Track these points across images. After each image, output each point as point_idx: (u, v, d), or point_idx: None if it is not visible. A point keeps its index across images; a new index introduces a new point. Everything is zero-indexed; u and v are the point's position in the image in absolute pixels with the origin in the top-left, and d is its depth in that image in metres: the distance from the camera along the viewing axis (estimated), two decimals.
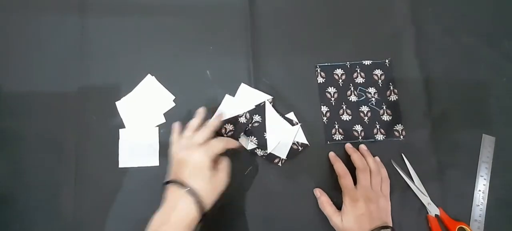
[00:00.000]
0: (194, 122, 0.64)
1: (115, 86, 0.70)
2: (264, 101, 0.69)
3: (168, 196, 0.56)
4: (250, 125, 0.68)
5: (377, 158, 0.67)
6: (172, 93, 0.70)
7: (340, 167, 0.64)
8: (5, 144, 0.68)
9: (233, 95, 0.71)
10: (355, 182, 0.63)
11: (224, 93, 0.70)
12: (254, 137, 0.68)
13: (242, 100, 0.70)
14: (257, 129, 0.68)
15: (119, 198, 0.66)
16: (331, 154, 0.68)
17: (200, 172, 0.57)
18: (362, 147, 0.68)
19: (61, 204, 0.66)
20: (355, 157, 0.65)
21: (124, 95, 0.70)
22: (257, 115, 0.69)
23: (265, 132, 0.68)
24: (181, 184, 0.56)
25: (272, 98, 0.70)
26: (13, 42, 0.73)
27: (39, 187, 0.66)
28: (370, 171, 0.64)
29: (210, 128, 0.62)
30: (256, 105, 0.69)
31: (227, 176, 0.60)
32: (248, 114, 0.69)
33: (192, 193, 0.55)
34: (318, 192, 0.66)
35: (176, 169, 0.59)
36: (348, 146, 0.68)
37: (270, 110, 0.69)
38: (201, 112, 0.65)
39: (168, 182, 0.58)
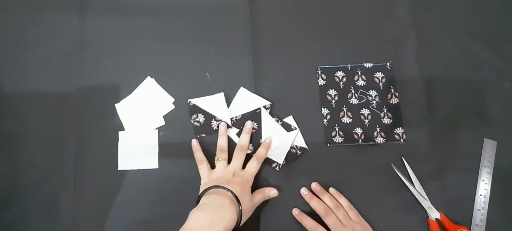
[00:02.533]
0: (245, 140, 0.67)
1: (115, 88, 0.70)
2: (260, 108, 0.69)
3: (214, 198, 0.57)
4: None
5: (331, 189, 0.66)
6: (171, 96, 0.70)
7: (309, 223, 0.63)
8: (5, 144, 0.68)
9: (233, 97, 0.70)
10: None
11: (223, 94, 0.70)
12: (250, 144, 0.68)
13: (240, 104, 0.70)
14: (253, 136, 0.68)
15: (118, 201, 0.66)
16: (295, 212, 0.65)
17: (246, 190, 0.61)
18: (314, 188, 0.66)
19: (61, 206, 0.66)
20: (314, 203, 0.64)
21: (124, 98, 0.70)
22: (254, 122, 0.69)
23: (261, 138, 0.68)
24: (230, 191, 0.57)
25: (271, 104, 0.69)
26: (13, 42, 0.73)
27: (38, 188, 0.66)
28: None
29: (259, 160, 0.65)
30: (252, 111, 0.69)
31: (258, 204, 0.63)
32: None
33: (239, 203, 0.57)
34: (298, 215, 0.65)
35: (226, 175, 0.61)
36: (303, 193, 0.66)
37: (266, 117, 0.69)
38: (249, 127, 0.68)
39: (212, 188, 0.58)
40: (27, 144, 0.68)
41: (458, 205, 0.67)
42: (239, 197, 0.57)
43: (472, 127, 0.70)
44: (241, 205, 0.57)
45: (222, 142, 0.66)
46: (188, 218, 0.55)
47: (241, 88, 0.70)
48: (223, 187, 0.58)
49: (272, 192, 0.64)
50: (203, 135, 0.68)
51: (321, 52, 0.73)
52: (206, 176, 0.63)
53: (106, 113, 0.69)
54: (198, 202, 0.58)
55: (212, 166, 0.65)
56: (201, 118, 0.69)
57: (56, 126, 0.69)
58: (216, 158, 0.65)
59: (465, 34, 0.75)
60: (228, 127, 0.68)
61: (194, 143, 0.67)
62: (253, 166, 0.64)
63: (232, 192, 0.57)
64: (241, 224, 0.57)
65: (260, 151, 0.66)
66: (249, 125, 0.68)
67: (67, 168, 0.67)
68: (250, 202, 0.60)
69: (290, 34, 0.74)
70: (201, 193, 0.59)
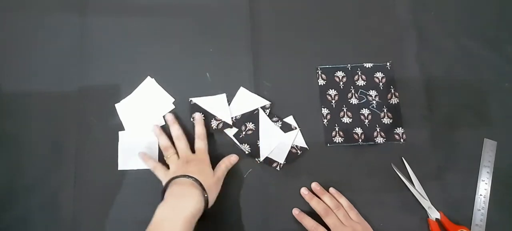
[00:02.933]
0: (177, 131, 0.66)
1: (115, 88, 0.70)
2: (258, 109, 0.69)
3: (174, 188, 0.57)
4: (244, 133, 0.68)
5: (331, 189, 0.66)
6: (171, 96, 0.70)
7: (309, 223, 0.63)
8: (5, 144, 0.68)
9: (233, 97, 0.70)
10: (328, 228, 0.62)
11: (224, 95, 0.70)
12: (247, 145, 0.68)
13: (240, 103, 0.70)
14: (251, 137, 0.68)
15: (118, 200, 0.66)
16: (295, 212, 0.65)
17: (204, 168, 0.61)
18: (314, 188, 0.66)
19: (61, 206, 0.66)
20: (314, 203, 0.64)
21: (124, 97, 0.70)
22: (250, 122, 0.69)
23: (258, 140, 0.68)
24: (188, 177, 0.57)
25: (270, 104, 0.69)
26: (13, 42, 0.73)
27: (38, 188, 0.66)
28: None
29: (201, 137, 0.66)
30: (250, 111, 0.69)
31: (223, 175, 0.64)
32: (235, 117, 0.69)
33: (200, 184, 0.57)
34: (298, 215, 0.65)
35: (180, 166, 0.61)
36: (303, 193, 0.66)
37: (263, 118, 0.69)
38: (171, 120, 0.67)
39: (172, 179, 0.58)
40: (27, 144, 0.68)
41: (458, 205, 0.67)
42: (198, 178, 0.57)
43: (472, 127, 0.70)
44: (202, 184, 0.57)
45: (163, 141, 0.66)
46: (154, 214, 0.55)
47: (241, 88, 0.70)
48: (179, 176, 0.58)
49: (232, 158, 0.65)
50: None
51: (321, 52, 0.73)
52: (164, 177, 0.62)
53: (106, 113, 0.69)
54: (162, 198, 0.58)
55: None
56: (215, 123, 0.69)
57: (56, 126, 0.69)
58: (164, 158, 0.65)
59: (465, 34, 0.75)
60: (229, 126, 0.68)
61: (142, 154, 0.66)
62: (200, 144, 0.65)
63: (188, 176, 0.57)
64: (211, 203, 0.58)
65: (197, 129, 0.66)
66: (169, 117, 0.67)
67: (67, 168, 0.67)
68: (211, 178, 0.61)
69: (290, 34, 0.74)
70: (163, 189, 0.58)
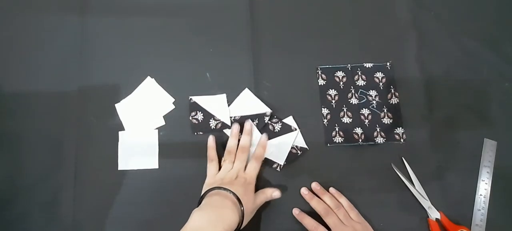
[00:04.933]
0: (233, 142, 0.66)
1: (115, 88, 0.70)
2: (248, 120, 0.69)
3: (216, 199, 0.57)
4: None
5: (332, 189, 0.66)
6: (171, 96, 0.70)
7: (309, 222, 0.63)
8: (5, 144, 0.68)
9: (234, 98, 0.70)
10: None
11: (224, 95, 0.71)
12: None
13: (242, 105, 0.70)
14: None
15: (118, 200, 0.66)
16: (295, 212, 0.65)
17: (248, 192, 0.61)
18: (315, 187, 0.66)
19: (61, 206, 0.66)
20: (314, 203, 0.64)
21: (124, 97, 0.70)
22: (254, 121, 0.69)
23: (252, 146, 0.68)
24: (232, 193, 0.57)
25: (271, 112, 0.69)
26: (13, 42, 0.73)
27: (38, 188, 0.66)
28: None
29: (258, 160, 0.65)
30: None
31: (261, 204, 0.63)
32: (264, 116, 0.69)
33: (241, 205, 0.57)
34: (298, 215, 0.65)
35: (228, 178, 0.61)
36: (304, 193, 0.66)
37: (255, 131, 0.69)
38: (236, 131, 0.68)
39: (214, 189, 0.58)
40: (27, 144, 0.68)
41: (458, 205, 0.67)
42: (241, 199, 0.57)
43: (472, 127, 0.70)
44: (243, 206, 0.57)
45: (231, 144, 0.66)
46: (189, 217, 0.55)
47: (246, 89, 0.70)
48: (225, 189, 0.58)
49: (274, 193, 0.64)
50: (200, 132, 0.68)
51: (321, 52, 0.73)
52: (212, 175, 0.63)
53: (106, 113, 0.69)
54: (200, 202, 0.58)
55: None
56: (200, 116, 0.69)
57: (56, 126, 0.69)
58: (223, 159, 0.65)
59: (465, 34, 0.75)
60: (227, 127, 0.68)
61: (211, 139, 0.67)
62: (253, 167, 0.64)
63: (234, 193, 0.57)
64: (243, 226, 0.57)
65: (258, 151, 0.66)
66: (248, 126, 0.67)
67: (67, 168, 0.67)
68: (252, 204, 0.60)
69: (290, 34, 0.74)
70: (203, 194, 0.59)
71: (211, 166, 0.64)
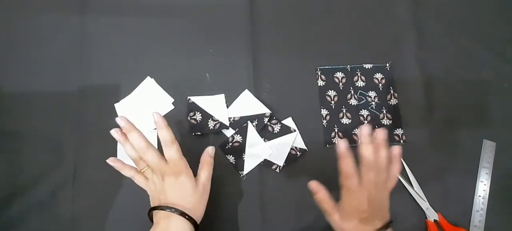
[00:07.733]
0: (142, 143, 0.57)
1: (115, 88, 0.70)
2: (247, 123, 0.68)
3: (159, 221, 0.54)
4: (230, 144, 0.68)
5: (395, 150, 0.56)
6: (171, 96, 0.70)
7: (348, 167, 0.55)
8: (4, 143, 0.68)
9: (233, 99, 0.70)
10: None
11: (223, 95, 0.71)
12: (232, 156, 0.68)
13: (241, 106, 0.70)
14: (237, 149, 0.68)
15: (117, 200, 0.66)
16: (341, 148, 0.56)
17: (183, 182, 0.55)
18: (380, 135, 0.56)
19: (60, 205, 0.66)
20: (366, 151, 0.54)
21: (123, 97, 0.70)
22: (238, 135, 0.68)
23: (244, 153, 0.68)
24: (167, 208, 0.53)
25: (270, 113, 0.69)
26: (13, 42, 0.73)
27: (37, 187, 0.66)
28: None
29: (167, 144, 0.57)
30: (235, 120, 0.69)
31: (208, 180, 0.58)
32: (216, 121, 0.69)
33: (181, 213, 0.53)
34: (314, 186, 0.59)
35: (157, 187, 0.56)
36: (360, 133, 0.56)
37: (252, 133, 0.68)
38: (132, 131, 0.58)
39: (153, 209, 0.56)
40: (27, 143, 0.68)
41: (456, 206, 0.67)
42: (178, 204, 0.54)
43: (472, 127, 0.70)
44: (185, 212, 0.53)
45: (131, 153, 0.59)
46: None
47: (246, 90, 0.70)
48: (158, 208, 0.54)
49: (209, 151, 0.60)
50: (199, 133, 0.68)
51: (321, 53, 0.73)
52: (147, 189, 0.59)
53: (106, 113, 0.69)
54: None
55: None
56: (198, 116, 0.69)
57: (56, 125, 0.69)
58: (140, 169, 0.58)
59: (465, 34, 0.75)
60: (225, 127, 0.68)
61: (118, 164, 0.59)
62: (170, 153, 0.56)
63: (169, 207, 0.53)
64: (199, 218, 0.55)
65: (161, 135, 0.57)
66: (156, 117, 0.57)
67: (66, 168, 0.67)
68: (195, 191, 0.56)
69: (290, 35, 0.74)
70: (149, 215, 0.57)
71: (138, 180, 0.59)
